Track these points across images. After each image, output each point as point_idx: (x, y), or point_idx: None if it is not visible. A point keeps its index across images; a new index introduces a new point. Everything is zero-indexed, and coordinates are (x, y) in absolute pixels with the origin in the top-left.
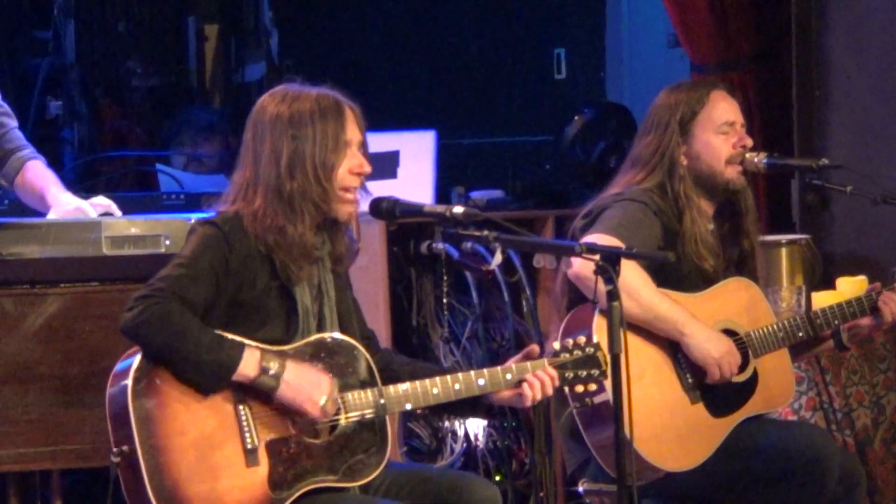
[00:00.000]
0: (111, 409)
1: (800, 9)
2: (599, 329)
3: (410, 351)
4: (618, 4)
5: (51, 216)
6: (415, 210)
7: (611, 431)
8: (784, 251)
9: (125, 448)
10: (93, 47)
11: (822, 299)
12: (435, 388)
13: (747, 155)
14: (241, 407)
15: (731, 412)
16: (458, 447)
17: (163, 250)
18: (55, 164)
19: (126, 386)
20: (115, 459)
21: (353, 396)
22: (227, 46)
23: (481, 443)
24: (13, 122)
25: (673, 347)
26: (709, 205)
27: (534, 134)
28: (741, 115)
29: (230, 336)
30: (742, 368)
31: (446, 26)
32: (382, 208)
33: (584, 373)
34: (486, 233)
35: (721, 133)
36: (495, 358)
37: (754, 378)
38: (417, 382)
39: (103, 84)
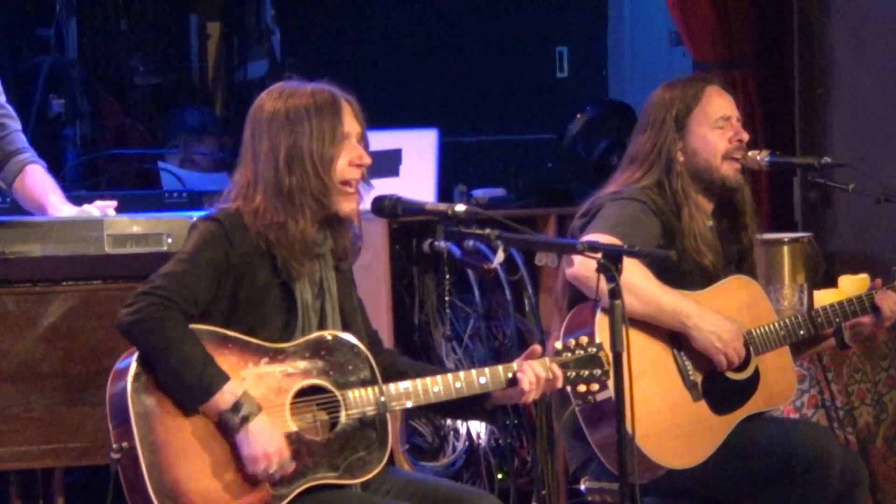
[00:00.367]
0: (111, 405)
1: (801, 7)
2: (601, 328)
3: (412, 349)
4: (620, 3)
5: None
6: (417, 208)
7: (613, 429)
8: (786, 249)
9: (125, 445)
10: (95, 45)
11: (823, 297)
12: (436, 386)
13: (749, 153)
14: None
15: (733, 410)
16: (460, 445)
17: (165, 248)
18: (57, 162)
19: (126, 383)
20: (115, 456)
21: (353, 394)
22: (229, 44)
23: (483, 441)
24: (15, 125)
25: (674, 345)
26: (707, 201)
27: (536, 132)
28: (737, 110)
29: (218, 363)
30: (744, 366)
31: (448, 25)
32: (384, 206)
33: (587, 372)
34: (488, 231)
35: (717, 128)
36: (497, 356)
37: (756, 376)
38: (419, 380)
39: (105, 82)
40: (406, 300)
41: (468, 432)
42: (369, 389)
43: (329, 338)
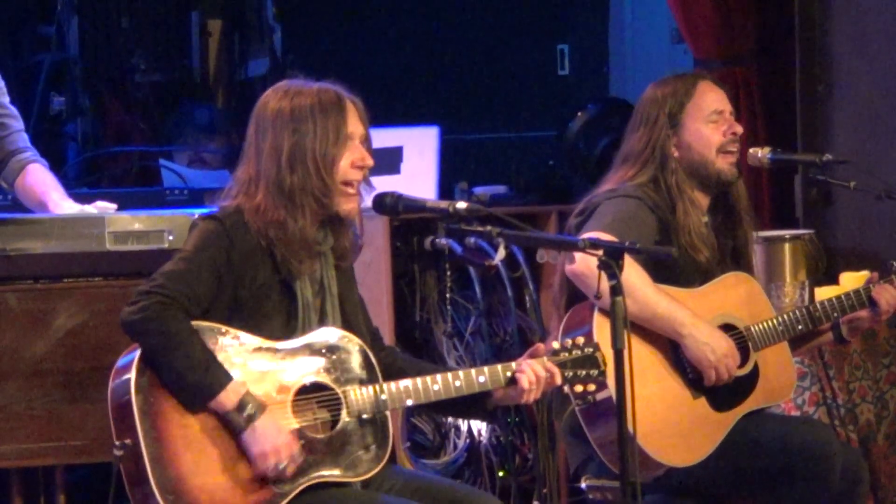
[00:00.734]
0: (113, 402)
1: (802, 4)
2: (600, 326)
3: (414, 346)
4: (621, 0)
5: None
6: (418, 206)
7: (613, 428)
8: (787, 246)
9: (127, 441)
10: (96, 43)
11: (825, 295)
12: (436, 384)
13: (751, 150)
14: None
15: (733, 406)
16: (461, 443)
17: (166, 246)
18: (58, 159)
19: (129, 379)
20: (118, 453)
21: (353, 392)
22: (230, 42)
23: (484, 438)
24: (17, 125)
25: (674, 342)
26: (703, 197)
27: (537, 130)
28: (729, 104)
29: (220, 362)
30: (743, 363)
31: (450, 22)
32: (386, 204)
33: (584, 372)
34: (489, 228)
35: (710, 122)
36: (498, 353)
37: (755, 372)
38: (419, 379)
39: (106, 79)
40: (407, 297)
41: (469, 430)
42: (370, 388)
43: (330, 336)
